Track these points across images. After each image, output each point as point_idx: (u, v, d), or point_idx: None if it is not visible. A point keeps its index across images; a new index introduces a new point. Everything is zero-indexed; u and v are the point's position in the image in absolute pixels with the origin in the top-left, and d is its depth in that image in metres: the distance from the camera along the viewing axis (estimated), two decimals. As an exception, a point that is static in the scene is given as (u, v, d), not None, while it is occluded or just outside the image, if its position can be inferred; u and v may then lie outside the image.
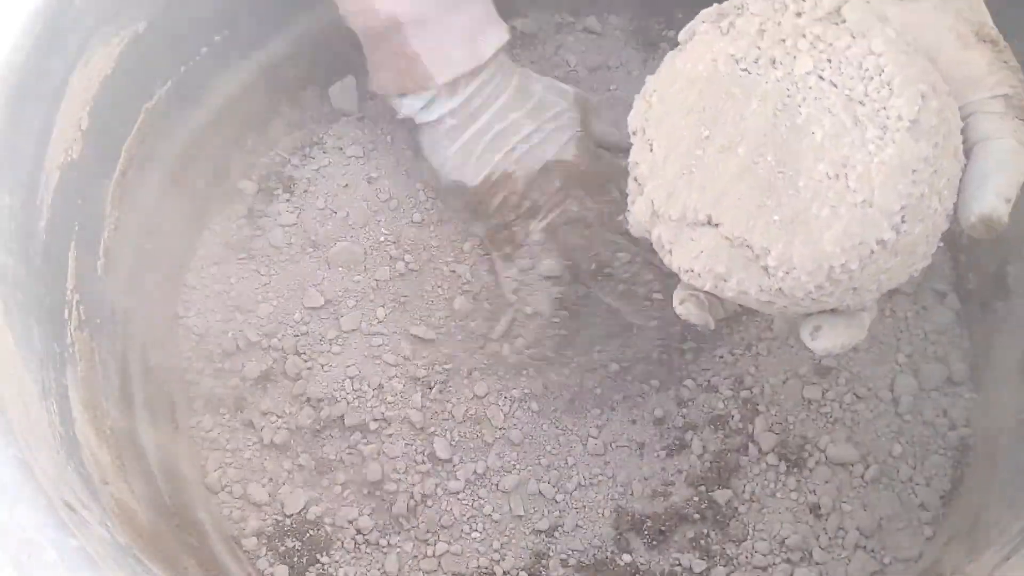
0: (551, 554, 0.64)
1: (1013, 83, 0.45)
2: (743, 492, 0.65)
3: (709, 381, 0.69)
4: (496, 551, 0.64)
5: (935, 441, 0.67)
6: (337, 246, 0.74)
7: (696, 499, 0.65)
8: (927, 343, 0.71)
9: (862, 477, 0.66)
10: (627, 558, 0.64)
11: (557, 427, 0.68)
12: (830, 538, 0.64)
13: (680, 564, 0.63)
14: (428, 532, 0.65)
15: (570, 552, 0.64)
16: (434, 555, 0.64)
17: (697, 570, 0.63)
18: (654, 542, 0.64)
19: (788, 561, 0.63)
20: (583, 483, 0.66)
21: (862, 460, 0.66)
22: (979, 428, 0.68)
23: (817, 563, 0.63)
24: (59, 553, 0.42)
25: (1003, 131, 0.44)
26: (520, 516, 0.65)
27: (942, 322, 0.71)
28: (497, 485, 0.66)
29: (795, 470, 0.66)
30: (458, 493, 0.66)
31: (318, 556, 0.64)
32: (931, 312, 0.72)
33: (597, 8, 0.85)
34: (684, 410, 0.68)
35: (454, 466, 0.67)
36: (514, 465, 0.67)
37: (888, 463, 0.66)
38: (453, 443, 0.68)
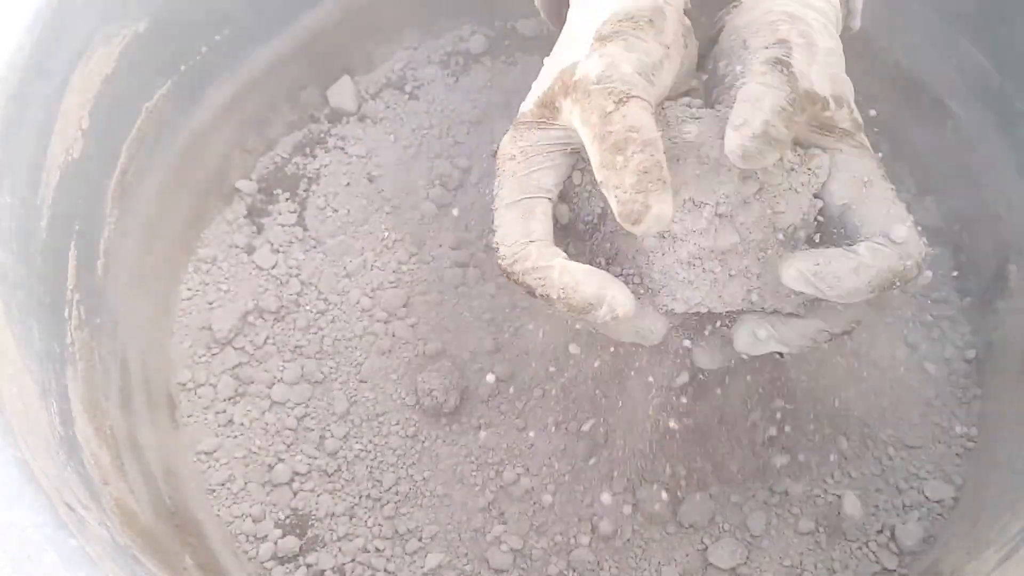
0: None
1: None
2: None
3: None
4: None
5: (935, 439, 0.67)
6: (337, 242, 0.74)
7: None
8: (927, 342, 0.71)
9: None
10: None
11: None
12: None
13: None
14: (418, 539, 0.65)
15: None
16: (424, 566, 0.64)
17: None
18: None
19: None
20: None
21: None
22: (979, 428, 0.68)
23: None
24: (59, 553, 0.42)
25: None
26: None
27: (943, 322, 0.71)
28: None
29: None
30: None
31: (318, 556, 0.64)
32: (931, 312, 0.72)
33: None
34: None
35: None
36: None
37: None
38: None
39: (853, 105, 0.52)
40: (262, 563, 0.64)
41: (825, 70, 0.50)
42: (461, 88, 0.82)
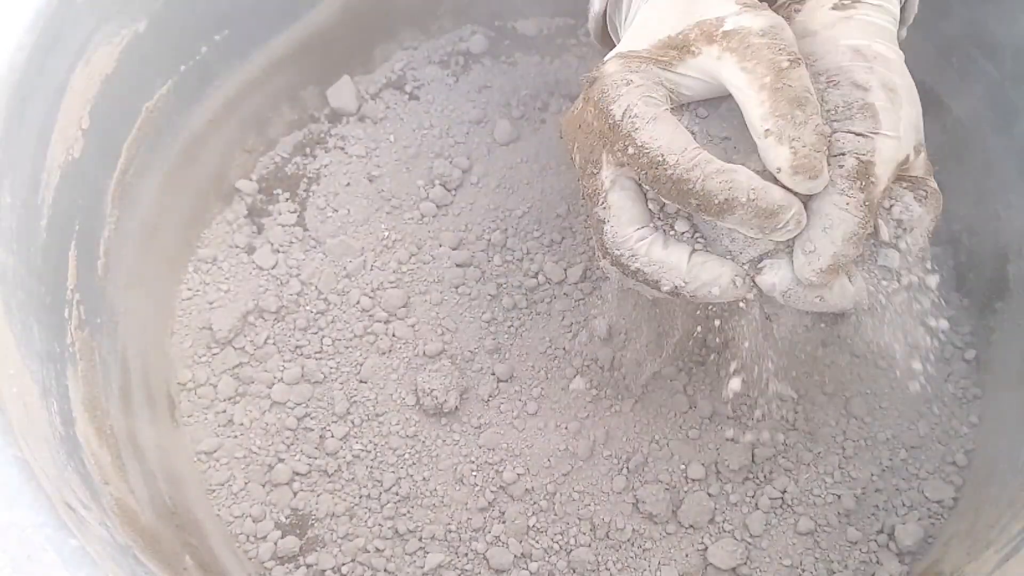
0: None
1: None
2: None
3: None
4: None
5: (935, 439, 0.68)
6: (338, 242, 0.74)
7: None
8: (927, 341, 0.71)
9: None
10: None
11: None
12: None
13: None
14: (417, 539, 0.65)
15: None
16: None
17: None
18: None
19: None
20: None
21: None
22: (979, 428, 0.68)
23: None
24: (59, 553, 0.42)
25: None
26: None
27: (942, 322, 0.71)
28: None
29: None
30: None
31: (318, 556, 0.64)
32: (932, 312, 0.72)
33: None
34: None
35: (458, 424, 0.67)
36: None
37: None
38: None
39: (923, 144, 0.51)
40: (262, 563, 0.64)
41: (911, 121, 0.50)
42: (461, 88, 0.82)
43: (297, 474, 0.67)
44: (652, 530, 0.65)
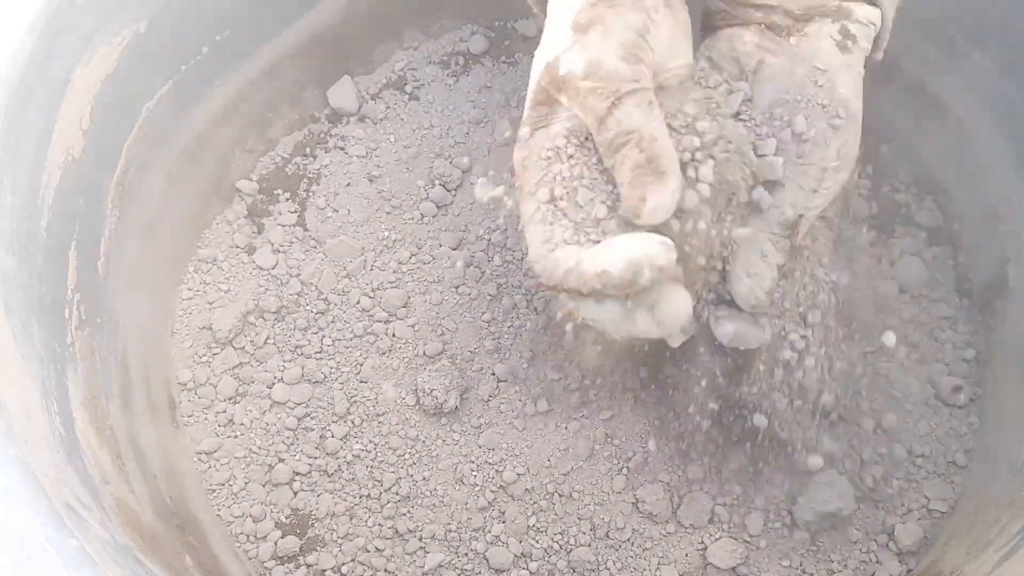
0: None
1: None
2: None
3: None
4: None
5: (935, 439, 0.68)
6: (338, 242, 0.74)
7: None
8: (927, 341, 0.71)
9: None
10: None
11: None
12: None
13: None
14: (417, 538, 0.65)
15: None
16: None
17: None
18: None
19: None
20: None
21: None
22: (980, 428, 0.68)
23: None
24: (59, 553, 0.42)
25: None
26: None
27: (942, 322, 0.71)
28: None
29: None
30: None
31: (318, 556, 0.64)
32: (931, 312, 0.72)
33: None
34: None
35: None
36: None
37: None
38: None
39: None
40: (262, 563, 0.64)
41: (841, 185, 0.54)
42: (461, 88, 0.82)
43: (297, 474, 0.67)
44: (652, 530, 0.65)
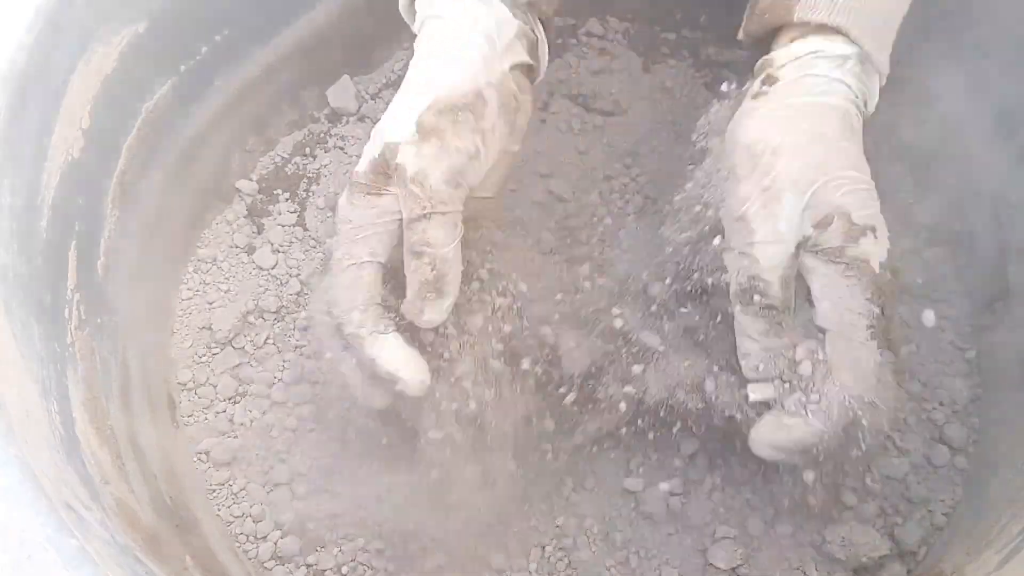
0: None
1: None
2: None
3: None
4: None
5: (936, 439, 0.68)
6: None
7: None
8: (927, 343, 0.71)
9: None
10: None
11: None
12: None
13: None
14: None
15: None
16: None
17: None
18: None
19: None
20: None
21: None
22: (979, 428, 0.68)
23: None
24: (59, 553, 0.42)
25: None
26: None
27: (942, 322, 0.71)
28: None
29: None
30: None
31: (318, 556, 0.64)
32: (931, 312, 0.72)
33: (598, 11, 0.85)
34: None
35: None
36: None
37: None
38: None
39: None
40: (262, 563, 0.64)
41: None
42: (461, 88, 0.82)
43: (297, 474, 0.67)
44: (652, 530, 0.65)
